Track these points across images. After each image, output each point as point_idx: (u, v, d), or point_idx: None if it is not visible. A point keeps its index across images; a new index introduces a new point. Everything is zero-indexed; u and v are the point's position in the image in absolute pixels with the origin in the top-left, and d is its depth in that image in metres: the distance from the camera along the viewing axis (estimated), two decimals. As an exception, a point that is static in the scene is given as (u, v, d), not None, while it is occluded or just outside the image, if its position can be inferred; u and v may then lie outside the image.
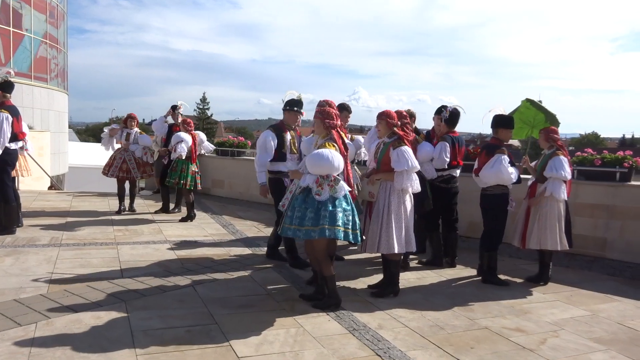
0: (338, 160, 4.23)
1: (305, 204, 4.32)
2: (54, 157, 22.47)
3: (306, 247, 4.55)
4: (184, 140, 7.61)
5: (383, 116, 4.80)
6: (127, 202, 8.60)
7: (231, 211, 9.19)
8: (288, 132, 5.65)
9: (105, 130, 8.30)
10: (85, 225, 7.29)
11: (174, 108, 8.46)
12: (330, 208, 4.19)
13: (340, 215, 4.19)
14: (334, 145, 4.39)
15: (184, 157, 7.65)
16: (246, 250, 6.33)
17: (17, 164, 6.84)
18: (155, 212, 8.56)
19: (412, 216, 4.81)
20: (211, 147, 8.75)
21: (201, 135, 8.36)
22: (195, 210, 8.13)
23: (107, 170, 8.21)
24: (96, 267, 5.22)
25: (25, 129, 6.80)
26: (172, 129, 8.40)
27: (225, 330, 3.75)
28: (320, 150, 4.32)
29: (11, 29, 20.21)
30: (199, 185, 7.98)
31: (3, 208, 6.41)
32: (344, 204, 4.27)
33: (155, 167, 8.74)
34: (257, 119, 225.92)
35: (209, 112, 70.99)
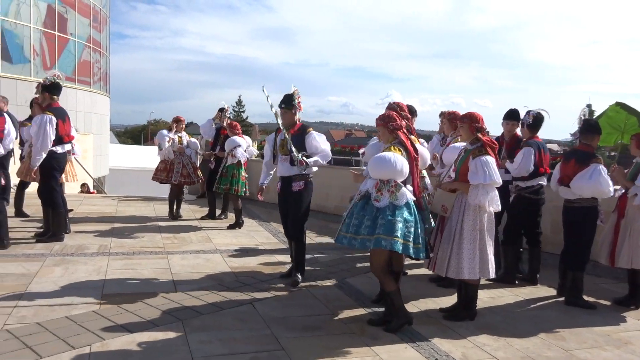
0: (401, 164, 3.84)
1: (363, 210, 3.94)
2: (96, 159, 22.78)
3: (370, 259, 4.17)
4: (241, 145, 7.34)
5: (465, 119, 4.33)
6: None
7: (278, 218, 8.79)
8: (281, 132, 5.13)
9: (166, 143, 7.98)
10: (133, 232, 7.07)
11: (222, 110, 8.20)
12: (389, 217, 3.79)
13: (399, 225, 3.77)
14: (399, 149, 3.99)
15: (242, 162, 7.40)
16: (300, 262, 5.96)
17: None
18: (202, 218, 8.30)
19: (492, 238, 4.31)
20: (255, 151, 8.47)
21: (247, 139, 8.06)
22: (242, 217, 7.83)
23: (166, 176, 7.99)
24: (148, 280, 4.93)
25: (72, 131, 6.63)
26: (219, 132, 8.13)
27: (295, 358, 3.37)
28: (383, 153, 3.95)
29: (57, 33, 20.54)
30: (247, 192, 7.68)
31: (51, 214, 6.24)
32: (406, 214, 3.85)
33: (202, 171, 8.51)
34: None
35: (244, 115, 71.54)
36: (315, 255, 6.27)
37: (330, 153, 5.22)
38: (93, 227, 7.20)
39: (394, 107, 4.78)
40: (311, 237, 7.38)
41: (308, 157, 4.94)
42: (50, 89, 6.16)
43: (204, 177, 8.49)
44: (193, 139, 8.31)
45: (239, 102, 72.39)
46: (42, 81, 6.21)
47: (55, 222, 6.20)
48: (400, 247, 3.72)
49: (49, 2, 20.08)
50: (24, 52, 19.15)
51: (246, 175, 7.61)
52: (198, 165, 8.44)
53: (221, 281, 5.01)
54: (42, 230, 6.43)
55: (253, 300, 4.50)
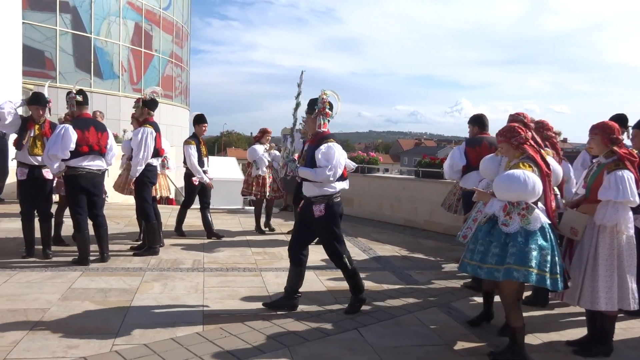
0: (533, 183, 3.40)
1: (489, 236, 3.54)
2: (177, 170, 23.60)
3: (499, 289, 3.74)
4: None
5: (597, 129, 3.83)
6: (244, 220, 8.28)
7: (365, 232, 8.55)
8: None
9: (265, 161, 7.91)
10: (223, 246, 7.01)
11: (310, 123, 8.01)
12: (521, 244, 3.36)
13: (533, 253, 3.34)
14: (531, 166, 3.55)
15: None
16: (398, 282, 5.61)
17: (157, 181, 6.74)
18: (289, 233, 8.13)
19: (633, 264, 3.76)
20: (352, 165, 8.16)
21: (340, 152, 7.81)
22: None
23: (260, 190, 7.92)
24: (246, 299, 4.76)
25: (165, 145, 6.69)
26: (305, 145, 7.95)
27: (419, 400, 3.03)
28: (511, 171, 3.52)
29: (143, 49, 21.52)
30: (338, 206, 7.41)
31: (145, 227, 6.29)
32: (541, 240, 3.41)
33: (287, 184, 8.36)
34: (358, 131, 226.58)
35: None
36: (412, 276, 5.89)
37: (332, 172, 4.19)
38: (185, 241, 7.22)
39: (517, 118, 4.37)
40: (404, 254, 7.02)
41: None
42: (149, 104, 6.26)
43: (289, 191, 8.33)
44: (277, 152, 8.20)
45: (309, 113, 73.11)
46: (142, 97, 6.32)
47: (150, 235, 6.24)
48: (535, 279, 3.30)
49: (136, 21, 21.11)
50: (114, 69, 20.19)
51: (336, 189, 7.35)
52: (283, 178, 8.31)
53: (320, 302, 4.75)
54: (139, 243, 6.50)
55: (358, 325, 4.20)
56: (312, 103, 4.39)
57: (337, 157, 4.23)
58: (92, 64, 19.26)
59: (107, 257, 5.75)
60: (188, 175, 7.44)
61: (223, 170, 22.02)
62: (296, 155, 4.61)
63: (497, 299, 4.13)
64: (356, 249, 7.25)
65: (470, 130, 5.96)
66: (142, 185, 6.13)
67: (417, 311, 4.67)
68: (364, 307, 4.60)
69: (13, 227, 7.21)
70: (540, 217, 3.43)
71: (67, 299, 4.47)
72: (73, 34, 18.67)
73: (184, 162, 7.36)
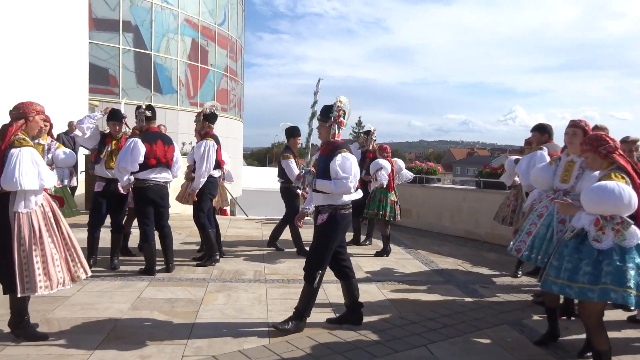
0: (629, 196, 3.16)
1: (578, 252, 3.31)
2: (233, 182, 24.05)
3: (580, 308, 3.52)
4: (384, 167, 7.01)
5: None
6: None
7: (425, 245, 8.36)
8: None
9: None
10: (283, 257, 7.02)
11: (368, 133, 7.95)
12: (617, 262, 3.13)
13: (631, 273, 3.11)
14: (623, 177, 3.32)
15: (384, 186, 7.06)
16: (464, 297, 5.42)
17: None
18: (347, 243, 8.06)
19: None
20: (410, 175, 8.03)
21: (399, 163, 7.70)
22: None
23: None
24: (309, 311, 4.72)
25: (225, 157, 6.79)
26: (365, 156, 7.89)
27: None
28: (603, 182, 3.28)
29: (199, 64, 22.16)
30: (399, 217, 7.29)
31: (201, 236, 6.40)
32: (638, 258, 3.16)
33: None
34: (408, 141, 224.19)
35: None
36: (478, 290, 5.68)
37: (353, 184, 4.06)
38: (245, 251, 7.29)
39: (579, 124, 4.19)
40: (467, 269, 6.79)
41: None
42: (209, 118, 6.40)
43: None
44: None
45: (359, 123, 73.08)
46: (202, 111, 6.45)
47: (207, 244, 6.34)
48: (634, 301, 3.07)
49: (193, 37, 21.78)
50: (172, 84, 20.88)
51: (395, 199, 7.23)
52: None
53: (385, 317, 4.64)
54: (201, 253, 6.61)
55: (427, 342, 4.06)
56: (327, 110, 4.20)
57: (354, 167, 4.12)
58: (152, 79, 19.99)
59: (172, 268, 5.87)
60: (287, 190, 7.18)
61: (275, 181, 22.24)
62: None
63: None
64: (417, 262, 7.08)
65: (538, 138, 5.72)
66: (202, 197, 6.24)
67: (487, 328, 4.48)
68: (428, 322, 4.46)
69: (83, 237, 7.51)
70: (637, 232, 3.19)
71: (136, 309, 4.57)
72: (135, 51, 19.45)
73: (280, 176, 7.18)
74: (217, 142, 6.39)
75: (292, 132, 7.14)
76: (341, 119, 4.17)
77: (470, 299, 5.35)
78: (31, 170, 3.51)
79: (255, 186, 29.89)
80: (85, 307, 4.57)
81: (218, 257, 6.37)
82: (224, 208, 12.62)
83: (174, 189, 7.00)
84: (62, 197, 4.26)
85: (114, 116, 5.88)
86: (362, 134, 8.14)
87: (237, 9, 25.64)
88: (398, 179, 7.66)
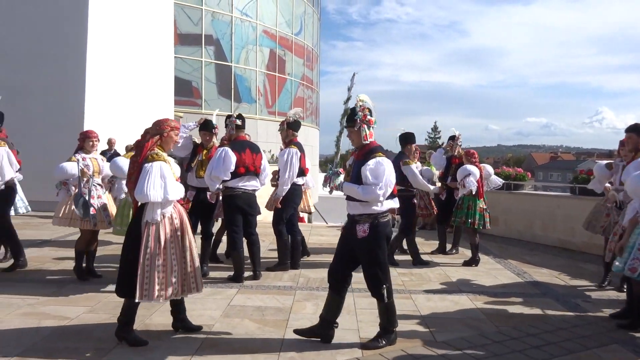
0: None
1: None
2: (312, 189, 24.32)
3: None
4: (472, 174, 6.71)
5: None
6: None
7: (515, 254, 7.92)
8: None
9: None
10: (367, 265, 6.90)
11: (453, 138, 7.67)
12: None
13: None
14: None
15: (473, 192, 6.76)
16: (565, 312, 5.03)
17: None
18: (432, 253, 7.82)
19: None
20: (499, 181, 7.66)
21: (488, 168, 7.36)
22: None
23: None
24: (401, 323, 4.55)
25: (308, 164, 6.80)
26: (451, 162, 7.62)
27: None
28: None
29: (277, 74, 22.64)
30: (488, 224, 6.95)
31: (277, 242, 6.47)
32: None
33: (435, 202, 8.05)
34: (486, 146, 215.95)
35: (439, 141, 70.45)
36: (581, 305, 5.26)
37: (383, 192, 3.76)
38: (329, 259, 7.23)
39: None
40: (565, 281, 6.33)
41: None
42: (293, 125, 6.44)
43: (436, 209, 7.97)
44: (427, 167, 7.94)
45: (435, 129, 71.65)
46: (286, 119, 6.50)
47: (281, 251, 6.40)
48: None
49: (270, 47, 22.31)
50: (251, 94, 21.47)
51: (484, 207, 6.90)
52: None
53: (482, 332, 4.40)
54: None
55: (530, 361, 3.79)
56: (351, 114, 3.94)
57: (388, 174, 3.80)
58: (233, 90, 20.65)
59: (260, 275, 5.93)
60: (407, 198, 6.71)
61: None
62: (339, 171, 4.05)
63: None
64: (508, 272, 6.71)
65: (635, 140, 5.20)
66: (285, 204, 6.27)
67: (596, 347, 4.12)
68: (530, 338, 4.16)
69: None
70: None
71: (228, 316, 4.63)
72: (216, 63, 20.20)
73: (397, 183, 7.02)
74: (301, 149, 6.41)
75: (408, 138, 6.93)
76: (368, 117, 3.90)
77: (572, 314, 4.97)
78: (158, 183, 3.73)
79: (326, 193, 29.95)
80: (179, 312, 4.68)
81: (288, 265, 6.41)
82: (301, 216, 12.76)
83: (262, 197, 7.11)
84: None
85: (206, 126, 6.06)
86: (447, 140, 7.87)
87: (313, 18, 25.98)
88: (487, 185, 7.32)
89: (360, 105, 3.91)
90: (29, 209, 6.82)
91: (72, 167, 5.40)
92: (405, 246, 7.80)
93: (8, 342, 3.88)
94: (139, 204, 3.87)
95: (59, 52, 11.44)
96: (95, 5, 11.83)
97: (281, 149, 6.69)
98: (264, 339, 4.10)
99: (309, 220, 15.61)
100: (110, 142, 10.35)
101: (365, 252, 3.90)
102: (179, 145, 5.93)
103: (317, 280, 6.01)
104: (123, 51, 13.09)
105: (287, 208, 6.36)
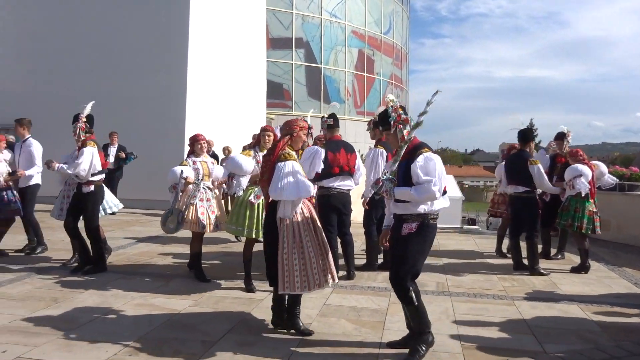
0: None
1: None
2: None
3: None
4: (584, 174, 6.22)
5: None
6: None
7: (631, 262, 7.27)
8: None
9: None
10: (464, 269, 6.64)
11: (562, 136, 7.15)
12: None
13: None
14: None
15: (583, 194, 6.27)
16: (696, 328, 4.50)
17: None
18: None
19: None
20: (612, 179, 7.07)
21: (601, 167, 6.82)
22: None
23: (505, 209, 7.25)
24: (503, 331, 4.33)
25: None
26: (555, 161, 7.13)
27: None
28: None
29: (365, 74, 22.59)
30: (598, 229, 6.41)
31: (366, 242, 6.44)
32: None
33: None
34: (588, 144, 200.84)
35: (536, 139, 66.77)
36: None
37: (438, 187, 3.48)
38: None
39: None
40: (693, 292, 5.68)
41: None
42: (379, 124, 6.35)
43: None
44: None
45: (531, 126, 68.01)
46: (373, 118, 6.45)
47: (369, 252, 6.35)
48: None
49: (359, 47, 22.32)
50: (340, 94, 21.60)
51: (594, 210, 6.37)
52: None
53: (598, 345, 4.05)
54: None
55: (658, 380, 3.42)
56: (384, 117, 3.75)
57: (439, 168, 3.55)
58: (322, 91, 20.90)
59: (354, 275, 5.90)
60: (530, 200, 6.36)
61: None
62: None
63: None
64: (624, 281, 6.16)
65: None
66: (373, 204, 6.18)
67: None
68: (660, 357, 3.76)
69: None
70: None
71: (324, 315, 4.64)
72: (306, 66, 20.55)
73: (521, 183, 6.31)
74: (388, 149, 6.29)
75: (528, 135, 6.49)
76: (403, 116, 3.68)
77: None
78: (291, 181, 3.94)
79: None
80: (277, 310, 4.77)
81: (376, 265, 6.33)
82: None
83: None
84: None
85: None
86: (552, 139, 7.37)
87: (402, 15, 25.63)
88: (599, 185, 6.76)
89: (391, 107, 3.74)
90: (120, 206, 6.74)
91: (180, 170, 5.55)
92: (505, 249, 7.43)
93: (126, 328, 4.17)
94: (270, 200, 4.09)
95: (162, 63, 12.18)
96: (196, 18, 12.46)
97: (370, 149, 6.63)
98: (362, 341, 4.05)
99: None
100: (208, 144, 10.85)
101: (404, 247, 3.63)
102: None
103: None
104: (220, 59, 13.69)
105: (377, 208, 6.28)
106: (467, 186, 51.51)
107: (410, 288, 3.65)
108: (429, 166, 3.54)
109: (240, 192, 5.37)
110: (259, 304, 4.92)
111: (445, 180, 3.63)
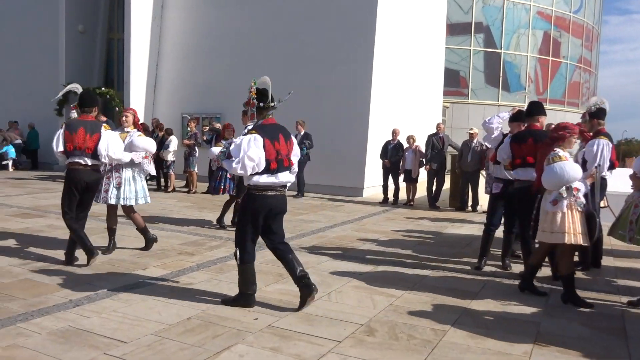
0: None
1: None
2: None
3: None
4: None
5: None
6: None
7: None
8: None
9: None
10: None
11: None
12: None
13: None
14: None
15: None
16: None
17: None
18: None
19: None
20: None
21: None
22: None
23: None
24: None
25: None
26: None
27: None
28: None
29: (550, 58, 20.86)
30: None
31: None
32: None
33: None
34: None
35: None
36: None
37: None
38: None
39: None
40: None
41: None
42: (597, 114, 6.02)
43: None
44: None
45: None
46: (587, 110, 6.13)
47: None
48: None
49: (544, 29, 20.66)
50: (520, 80, 20.26)
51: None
52: None
53: None
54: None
55: None
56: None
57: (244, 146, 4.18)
58: (501, 78, 19.81)
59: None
60: None
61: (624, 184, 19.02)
62: None
63: None
64: None
65: None
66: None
67: None
68: None
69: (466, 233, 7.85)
70: None
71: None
72: (484, 51, 19.64)
73: None
74: (611, 140, 5.80)
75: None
76: (252, 100, 4.46)
77: None
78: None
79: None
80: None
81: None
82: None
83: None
84: None
85: (519, 117, 5.84)
86: None
87: (595, -9, 23.06)
88: None
89: (249, 88, 4.46)
90: (148, 200, 6.25)
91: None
92: None
93: (353, 309, 4.41)
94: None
95: (350, 56, 12.58)
96: (383, 11, 12.62)
97: (587, 138, 6.12)
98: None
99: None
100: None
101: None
102: (493, 136, 5.87)
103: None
104: (402, 49, 13.71)
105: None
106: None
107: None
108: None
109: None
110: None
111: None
